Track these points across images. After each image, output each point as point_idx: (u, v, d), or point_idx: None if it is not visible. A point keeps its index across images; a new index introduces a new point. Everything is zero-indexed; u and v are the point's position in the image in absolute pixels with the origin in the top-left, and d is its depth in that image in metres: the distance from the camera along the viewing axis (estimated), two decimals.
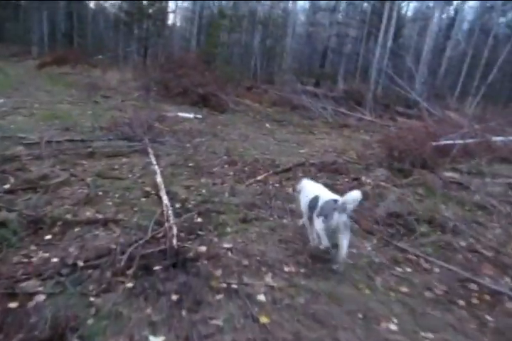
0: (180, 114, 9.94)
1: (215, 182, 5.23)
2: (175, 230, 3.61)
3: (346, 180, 6.07)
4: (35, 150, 5.52)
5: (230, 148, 7.08)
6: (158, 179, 4.88)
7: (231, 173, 5.72)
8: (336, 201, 3.35)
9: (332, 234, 3.33)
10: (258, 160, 6.46)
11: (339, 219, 3.23)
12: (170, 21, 26.03)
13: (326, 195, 3.64)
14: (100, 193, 4.39)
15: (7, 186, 4.30)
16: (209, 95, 12.81)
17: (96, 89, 13.78)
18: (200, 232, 3.80)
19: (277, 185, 5.42)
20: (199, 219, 4.06)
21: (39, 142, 5.88)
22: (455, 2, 26.27)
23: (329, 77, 24.34)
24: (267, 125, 10.68)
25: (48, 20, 34.67)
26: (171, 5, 26.03)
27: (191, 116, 10.01)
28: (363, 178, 6.19)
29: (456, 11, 26.33)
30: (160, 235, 3.58)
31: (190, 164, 5.85)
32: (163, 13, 23.70)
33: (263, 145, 7.95)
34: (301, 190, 4.04)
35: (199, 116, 10.29)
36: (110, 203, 4.17)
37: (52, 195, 4.21)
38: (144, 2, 20.73)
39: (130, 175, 5.07)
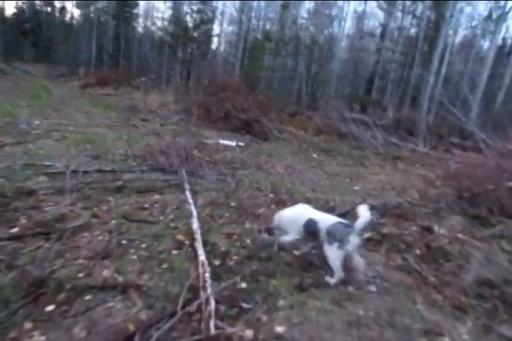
0: (222, 142, 9.23)
1: (262, 229, 4.37)
2: (213, 305, 2.76)
3: (415, 228, 5.05)
4: (57, 182, 4.86)
5: (276, 183, 6.21)
6: (195, 224, 4.06)
7: None
8: (343, 223, 3.23)
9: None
10: (309, 199, 5.56)
11: (356, 242, 3.12)
12: (214, 45, 25.87)
13: (323, 217, 3.43)
14: (124, 242, 3.60)
15: (15, 229, 3.59)
16: (252, 121, 12.12)
17: (136, 111, 13.40)
18: (244, 305, 2.93)
19: None
20: (243, 285, 3.19)
21: (64, 172, 5.24)
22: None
23: (376, 103, 23.37)
24: (315, 155, 9.80)
25: (96, 42, 35.61)
26: (216, 28, 25.89)
27: (233, 143, 9.28)
28: (436, 228, 5.16)
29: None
30: (193, 309, 2.75)
31: (232, 203, 5.02)
32: (208, 36, 23.59)
33: (312, 180, 7.04)
34: (280, 220, 3.69)
35: (241, 144, 9.54)
36: (134, 257, 3.35)
37: (67, 242, 3.45)
38: (190, 25, 20.61)
39: (161, 218, 4.27)
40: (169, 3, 25.57)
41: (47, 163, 5.64)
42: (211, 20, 22.96)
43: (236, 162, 7.41)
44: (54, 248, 3.31)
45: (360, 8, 31.28)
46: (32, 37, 50.78)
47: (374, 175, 8.34)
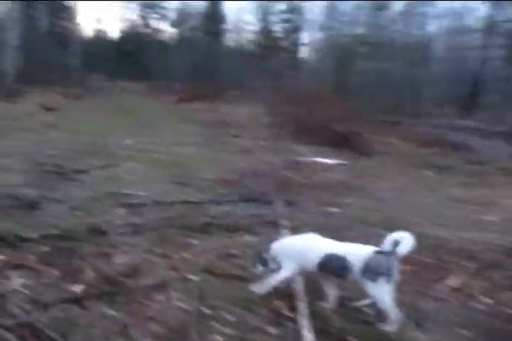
0: (318, 159, 8.29)
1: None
2: None
3: None
4: (135, 217, 4.29)
5: (387, 215, 5.14)
6: (298, 284, 3.15)
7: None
8: (382, 252, 2.60)
9: None
10: (441, 245, 4.27)
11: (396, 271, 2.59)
12: (303, 54, 25.09)
13: (347, 249, 2.76)
14: (207, 311, 2.80)
15: (79, 288, 2.95)
16: (350, 134, 11.04)
17: (225, 126, 12.96)
18: None
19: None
20: None
21: (144, 203, 4.67)
22: None
23: (485, 107, 20.96)
24: (426, 174, 8.48)
25: (189, 58, 36.64)
26: (305, 37, 25.09)
27: (331, 162, 8.29)
28: None
29: None
30: None
31: None
32: (297, 45, 22.87)
33: (431, 208, 5.83)
34: (280, 250, 2.92)
35: (340, 161, 8.52)
36: (219, 338, 2.55)
37: (136, 311, 2.75)
38: (279, 35, 20.03)
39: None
40: (258, 15, 25.16)
41: (128, 192, 5.12)
42: (300, 29, 22.17)
43: (337, 185, 6.42)
44: (119, 319, 2.60)
45: (456, 3, 28.40)
46: (133, 57, 53.76)
47: (506, 198, 6.83)
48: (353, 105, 14.20)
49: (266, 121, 14.02)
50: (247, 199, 5.21)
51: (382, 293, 2.58)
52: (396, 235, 2.64)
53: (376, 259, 2.59)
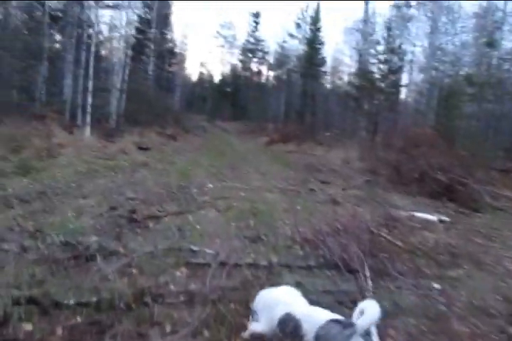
0: (417, 215, 7.18)
1: None
2: None
3: None
4: (194, 282, 3.69)
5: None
6: None
7: None
8: (340, 322, 2.16)
9: None
10: None
11: None
12: (403, 95, 23.90)
13: (309, 312, 2.35)
14: None
15: None
16: (455, 184, 9.72)
17: (316, 171, 12.26)
18: None
19: None
20: None
21: (209, 264, 4.07)
22: None
23: None
24: None
25: (285, 99, 37.08)
26: (405, 78, 23.98)
27: (433, 218, 7.13)
28: None
29: None
30: None
31: None
32: (396, 86, 21.84)
33: None
34: (258, 302, 2.65)
35: (444, 218, 7.31)
36: None
37: None
38: (377, 76, 19.24)
39: None
40: (356, 57, 24.71)
41: (194, 248, 4.57)
42: (400, 70, 21.20)
43: (441, 251, 5.32)
44: None
45: None
46: (231, 98, 56.26)
47: None
48: (458, 151, 12.75)
49: (359, 166, 13.11)
50: (326, 266, 4.39)
51: None
52: (362, 305, 2.24)
53: (328, 330, 2.19)
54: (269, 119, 37.16)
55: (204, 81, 68.00)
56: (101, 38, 24.81)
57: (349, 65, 33.50)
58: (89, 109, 14.24)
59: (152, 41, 33.69)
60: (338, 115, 28.01)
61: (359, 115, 21.91)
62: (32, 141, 11.67)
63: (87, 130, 14.10)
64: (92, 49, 14.60)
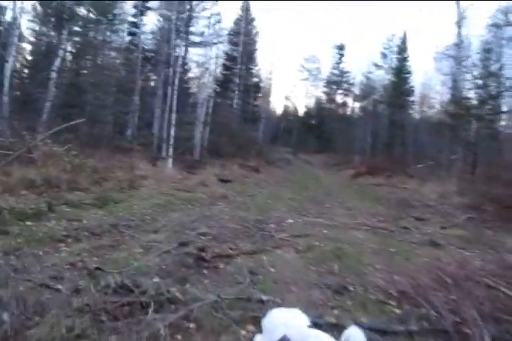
0: None
1: None
2: None
3: None
4: None
5: None
6: None
7: None
8: None
9: None
10: None
11: None
12: (503, 122, 21.70)
13: (306, 335, 2.08)
14: None
15: None
16: None
17: (408, 206, 11.03)
18: None
19: None
20: None
21: None
22: None
23: None
24: None
25: (371, 130, 35.75)
26: (505, 104, 21.84)
27: None
28: None
29: None
30: None
31: None
32: (496, 113, 19.85)
33: None
34: (267, 323, 2.31)
35: None
36: None
37: None
38: (474, 102, 17.59)
39: None
40: (449, 83, 23.08)
41: (264, 298, 3.82)
42: (499, 95, 19.30)
43: None
44: None
45: None
46: (316, 130, 55.86)
47: None
48: None
49: (459, 201, 11.63)
50: (432, 331, 3.40)
51: None
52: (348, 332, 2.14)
53: None
54: (354, 151, 35.95)
55: (289, 114, 68.44)
56: (189, 74, 25.83)
57: (441, 93, 31.59)
58: (171, 141, 14.35)
59: (237, 76, 34.50)
60: (430, 146, 26.14)
61: (454, 145, 20.14)
62: (115, 172, 11.82)
63: (169, 162, 14.17)
64: (176, 83, 14.81)
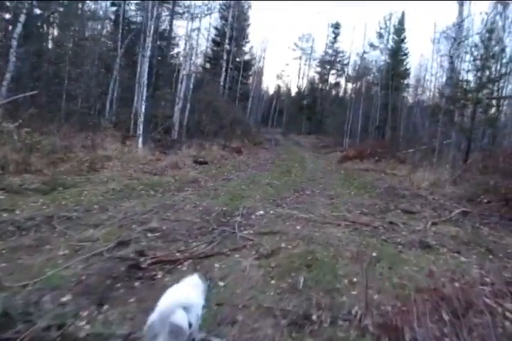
0: None
1: None
2: None
3: None
4: None
5: None
6: None
7: None
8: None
9: None
10: None
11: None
12: (504, 107, 20.67)
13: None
14: None
15: None
16: None
17: (397, 196, 10.05)
18: None
19: None
20: None
21: None
22: None
23: None
24: None
25: (363, 113, 34.60)
26: (507, 87, 20.81)
27: None
28: None
29: None
30: None
31: None
32: (498, 98, 18.82)
33: None
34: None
35: None
36: None
37: None
38: (472, 85, 16.48)
39: None
40: (446, 65, 21.92)
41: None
42: (501, 78, 18.25)
43: None
44: None
45: None
46: (307, 111, 54.71)
47: None
48: None
49: (452, 192, 10.67)
50: None
51: None
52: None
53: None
54: (345, 134, 34.84)
55: (281, 94, 67.05)
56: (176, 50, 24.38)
57: (438, 76, 30.45)
58: (141, 118, 13.11)
59: (226, 52, 32.98)
60: (423, 130, 25.13)
61: (449, 130, 19.14)
62: (76, 153, 10.66)
63: (140, 141, 12.97)
64: (148, 54, 13.45)
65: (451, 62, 19.92)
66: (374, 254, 4.97)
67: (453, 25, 21.17)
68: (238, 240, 5.24)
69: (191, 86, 18.89)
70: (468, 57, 18.24)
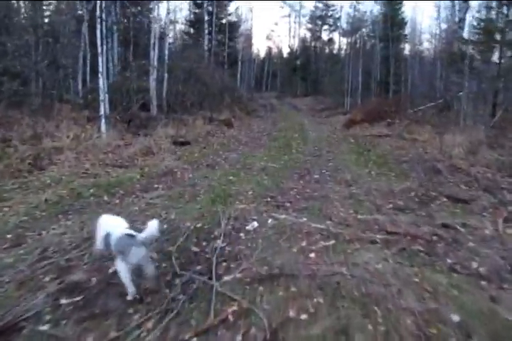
0: None
1: None
2: None
3: None
4: None
5: None
6: None
7: None
8: (130, 235, 3.07)
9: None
10: None
11: (139, 254, 3.01)
12: None
13: (118, 230, 3.19)
14: None
15: None
16: None
17: (431, 173, 7.77)
18: None
19: None
20: None
21: None
22: None
23: None
24: None
25: (363, 69, 31.77)
26: None
27: None
28: None
29: None
30: None
31: None
32: None
33: None
34: (98, 224, 3.46)
35: None
36: None
37: None
38: (499, 25, 13.81)
39: None
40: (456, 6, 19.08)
41: None
42: None
43: None
44: None
45: None
46: (301, 72, 51.69)
47: None
48: None
49: (499, 159, 8.38)
50: None
51: (119, 269, 3.04)
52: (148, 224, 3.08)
53: (119, 241, 3.05)
54: (345, 93, 32.09)
55: (272, 56, 63.63)
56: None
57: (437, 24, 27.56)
58: (102, 96, 10.63)
59: (207, 13, 29.85)
60: (436, 82, 22.50)
61: (466, 80, 16.60)
62: (17, 146, 8.33)
63: (103, 124, 10.55)
64: (103, 15, 10.78)
65: (464, 0, 17.12)
66: (456, 319, 2.76)
67: None
68: (214, 302, 3.00)
69: (166, 52, 16.19)
70: None
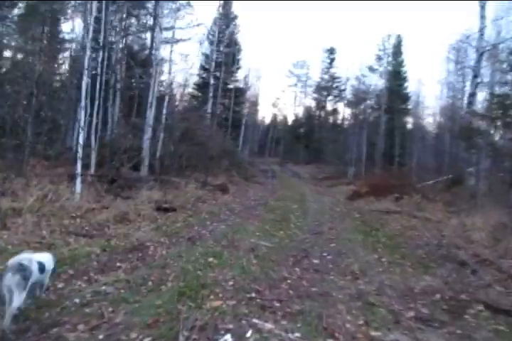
0: None
1: None
2: None
3: None
4: None
5: None
6: None
7: None
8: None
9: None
10: None
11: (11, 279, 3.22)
12: None
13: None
14: None
15: None
16: None
17: (453, 265, 6.44)
18: None
19: None
20: None
21: None
22: None
23: None
24: None
25: (367, 139, 31.42)
26: None
27: None
28: None
29: None
30: None
31: None
32: None
33: None
34: None
35: None
36: None
37: None
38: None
39: None
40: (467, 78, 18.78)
41: None
42: None
43: None
44: None
45: None
46: (304, 140, 51.94)
47: None
48: None
49: None
50: None
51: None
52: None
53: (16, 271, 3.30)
54: (348, 162, 31.45)
55: (277, 122, 64.43)
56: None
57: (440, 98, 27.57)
58: (79, 152, 9.59)
59: (214, 78, 30.01)
60: (444, 156, 21.73)
61: (476, 155, 15.77)
62: None
63: (78, 183, 9.39)
64: (85, 71, 10.01)
65: (475, 76, 16.73)
66: None
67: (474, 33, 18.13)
68: None
69: (164, 111, 15.52)
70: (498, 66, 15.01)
